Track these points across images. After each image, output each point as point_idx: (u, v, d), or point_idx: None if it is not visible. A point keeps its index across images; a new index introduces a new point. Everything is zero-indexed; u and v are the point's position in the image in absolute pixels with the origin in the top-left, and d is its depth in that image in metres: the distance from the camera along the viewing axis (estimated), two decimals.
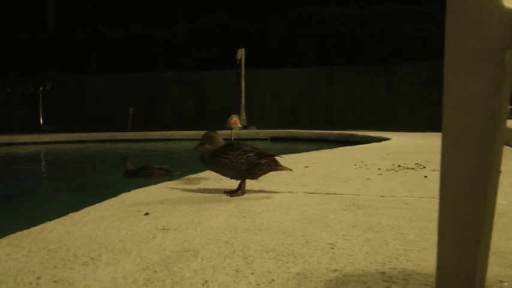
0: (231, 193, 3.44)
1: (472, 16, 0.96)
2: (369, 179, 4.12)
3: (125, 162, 6.81)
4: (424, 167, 4.88)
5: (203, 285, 1.60)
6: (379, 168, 4.84)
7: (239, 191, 3.44)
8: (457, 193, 1.00)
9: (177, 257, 1.90)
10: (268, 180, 4.04)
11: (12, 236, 2.28)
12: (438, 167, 1.05)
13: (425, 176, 4.23)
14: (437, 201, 1.06)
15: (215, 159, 3.53)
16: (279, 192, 3.45)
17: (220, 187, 3.69)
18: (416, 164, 5.18)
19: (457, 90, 0.99)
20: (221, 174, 3.66)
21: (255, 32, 19.03)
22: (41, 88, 19.04)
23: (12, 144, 14.38)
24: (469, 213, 0.99)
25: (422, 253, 1.92)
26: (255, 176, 3.49)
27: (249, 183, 3.82)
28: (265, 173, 3.50)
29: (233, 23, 19.59)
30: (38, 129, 18.18)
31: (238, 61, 16.70)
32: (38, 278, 1.70)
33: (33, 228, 2.42)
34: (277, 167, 3.52)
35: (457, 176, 1.00)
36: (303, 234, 2.21)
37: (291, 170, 3.74)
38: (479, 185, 0.97)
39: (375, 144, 9.09)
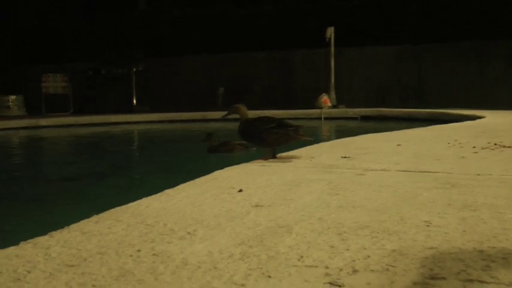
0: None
1: None
2: (463, 157, 4.03)
3: (211, 138, 7.05)
4: None
5: (298, 260, 1.62)
6: (473, 147, 4.71)
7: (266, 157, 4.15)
8: None
9: (272, 232, 1.93)
10: (360, 158, 4.02)
11: (112, 210, 2.37)
12: None
13: None
14: None
15: (244, 128, 4.30)
16: (371, 170, 3.42)
17: (312, 165, 3.70)
18: None
19: None
20: (249, 141, 4.66)
21: (344, 11, 18.80)
22: (134, 69, 19.46)
23: (107, 124, 14.82)
24: None
25: None
26: (274, 144, 4.15)
27: (342, 162, 3.84)
28: (285, 141, 4.16)
29: (322, 2, 19.42)
30: (131, 110, 18.64)
31: (327, 40, 16.56)
32: (138, 250, 1.76)
33: (130, 204, 2.50)
34: (297, 136, 4.14)
35: None
36: (396, 212, 2.19)
37: (311, 139, 4.47)
38: None
39: (468, 122, 8.85)
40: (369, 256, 1.63)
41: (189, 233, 1.95)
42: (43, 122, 14.78)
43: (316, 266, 1.56)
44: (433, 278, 1.45)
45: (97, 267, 1.61)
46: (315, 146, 5.03)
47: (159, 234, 1.95)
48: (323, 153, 4.36)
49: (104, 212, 2.33)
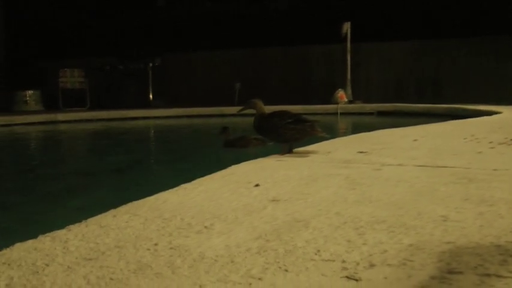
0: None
1: None
2: (480, 152, 4.01)
3: (226, 132, 7.05)
4: None
5: (315, 254, 1.62)
6: (490, 142, 4.68)
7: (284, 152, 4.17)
8: None
9: (289, 227, 1.93)
10: (377, 153, 4.01)
11: (130, 204, 2.39)
12: None
13: None
14: None
15: (260, 124, 4.31)
16: (388, 165, 3.42)
17: (329, 160, 3.69)
18: None
19: None
20: (265, 137, 4.76)
21: (360, 5, 18.73)
22: (150, 64, 19.53)
23: (124, 119, 14.89)
24: None
25: None
26: (291, 139, 4.17)
27: (358, 157, 3.83)
28: (302, 137, 4.20)
29: None
30: (147, 105, 18.72)
31: (343, 35, 16.51)
32: (155, 244, 1.77)
33: (148, 198, 2.51)
34: (313, 131, 4.18)
35: None
36: (414, 206, 2.19)
37: (326, 135, 4.42)
38: None
39: (485, 117, 8.80)
40: (386, 250, 1.63)
41: (206, 227, 1.96)
42: (60, 117, 14.86)
43: (333, 260, 1.56)
44: (450, 272, 1.45)
45: (115, 260, 1.63)
46: (332, 141, 5.03)
47: (177, 228, 1.95)
48: (339, 148, 4.35)
49: (122, 206, 2.35)
